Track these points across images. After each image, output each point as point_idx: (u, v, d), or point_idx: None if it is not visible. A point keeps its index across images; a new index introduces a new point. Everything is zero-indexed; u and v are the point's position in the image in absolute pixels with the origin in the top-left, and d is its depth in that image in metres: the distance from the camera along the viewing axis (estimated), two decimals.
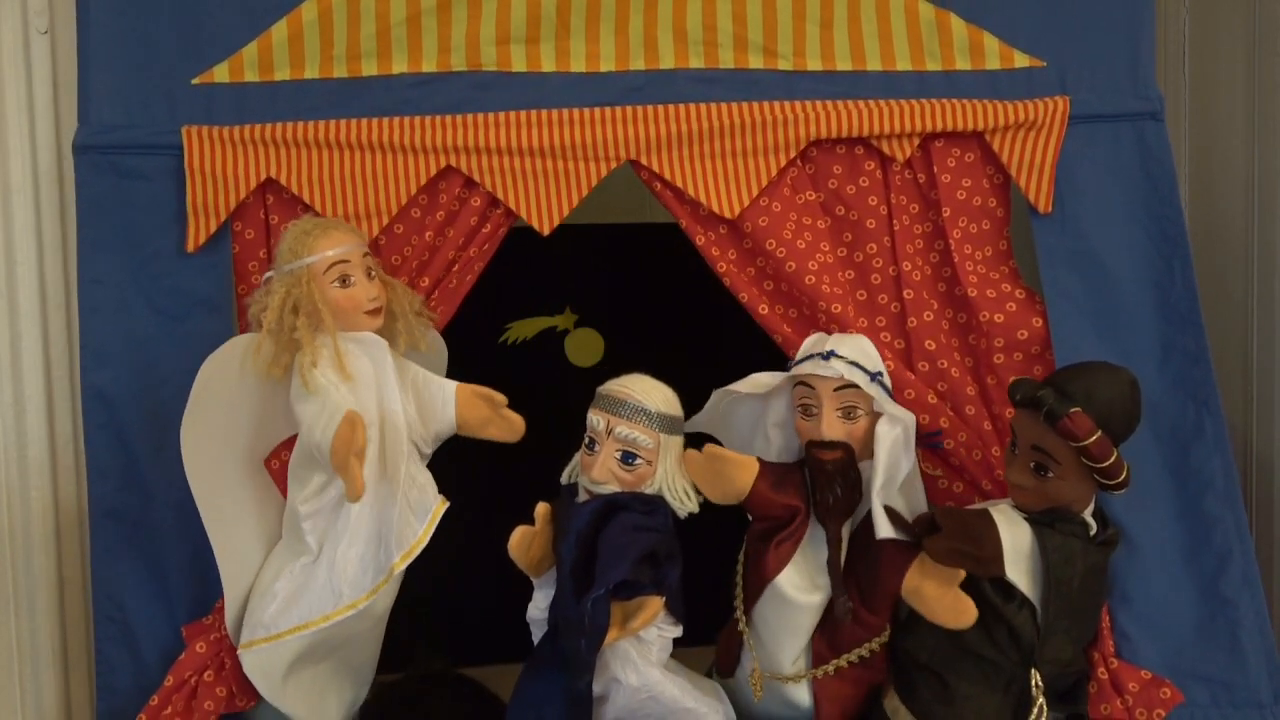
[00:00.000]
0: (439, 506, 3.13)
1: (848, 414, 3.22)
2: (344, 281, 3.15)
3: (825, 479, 3.23)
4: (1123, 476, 3.05)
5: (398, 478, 3.11)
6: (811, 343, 3.34)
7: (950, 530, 3.06)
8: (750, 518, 3.34)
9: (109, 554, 3.36)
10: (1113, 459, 3.01)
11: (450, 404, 3.28)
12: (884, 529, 3.11)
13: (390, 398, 3.16)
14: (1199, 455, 3.43)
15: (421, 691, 3.53)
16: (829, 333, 3.40)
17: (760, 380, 3.30)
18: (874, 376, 3.23)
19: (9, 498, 3.53)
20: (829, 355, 3.22)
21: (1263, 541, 3.73)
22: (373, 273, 3.20)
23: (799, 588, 3.27)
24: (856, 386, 3.19)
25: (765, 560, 3.29)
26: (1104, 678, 3.33)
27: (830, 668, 3.28)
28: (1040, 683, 3.11)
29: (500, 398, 3.27)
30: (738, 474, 3.23)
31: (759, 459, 3.29)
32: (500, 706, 3.36)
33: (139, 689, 3.33)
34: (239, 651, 3.21)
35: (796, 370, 3.27)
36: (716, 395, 3.35)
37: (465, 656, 3.89)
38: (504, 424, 3.29)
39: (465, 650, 3.93)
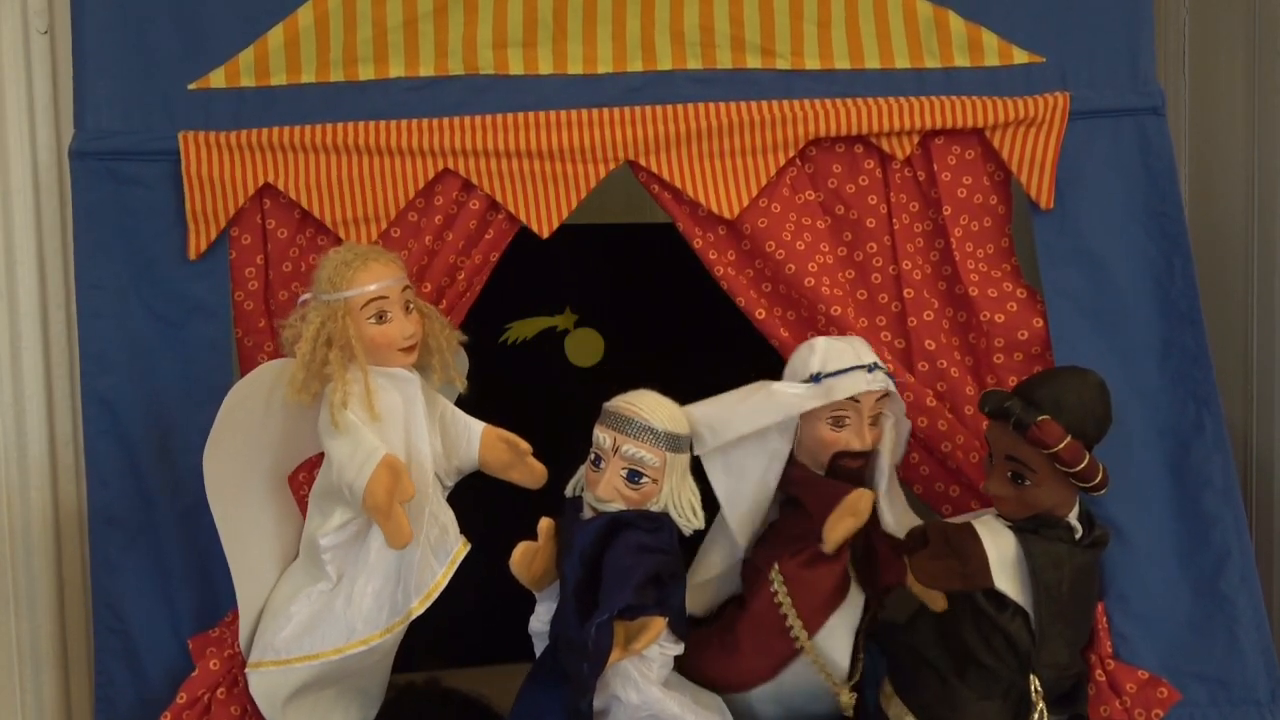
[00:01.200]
0: (460, 549, 3.11)
1: (875, 421, 3.24)
2: (380, 318, 3.10)
3: (845, 481, 3.25)
4: (1099, 479, 3.05)
5: (421, 518, 3.06)
6: (837, 353, 3.24)
7: (934, 546, 3.08)
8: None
9: (109, 563, 3.34)
10: (1086, 463, 3.01)
11: (475, 444, 3.27)
12: (888, 521, 3.23)
13: (418, 436, 3.12)
14: (1198, 453, 3.42)
15: (420, 709, 3.52)
16: (829, 335, 3.37)
17: (792, 405, 3.23)
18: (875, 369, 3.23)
19: (9, 498, 3.53)
20: (873, 368, 3.20)
21: (1262, 541, 3.72)
22: (411, 306, 3.16)
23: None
24: (889, 394, 3.22)
25: (827, 582, 3.29)
26: (1101, 679, 3.31)
27: None
28: (1040, 688, 3.11)
29: (524, 445, 3.26)
30: None
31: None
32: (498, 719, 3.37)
33: (140, 702, 3.32)
34: (246, 670, 3.19)
35: (849, 389, 3.19)
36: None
37: (465, 658, 3.89)
38: (526, 471, 3.28)
39: (464, 652, 3.93)
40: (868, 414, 3.22)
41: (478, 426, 3.29)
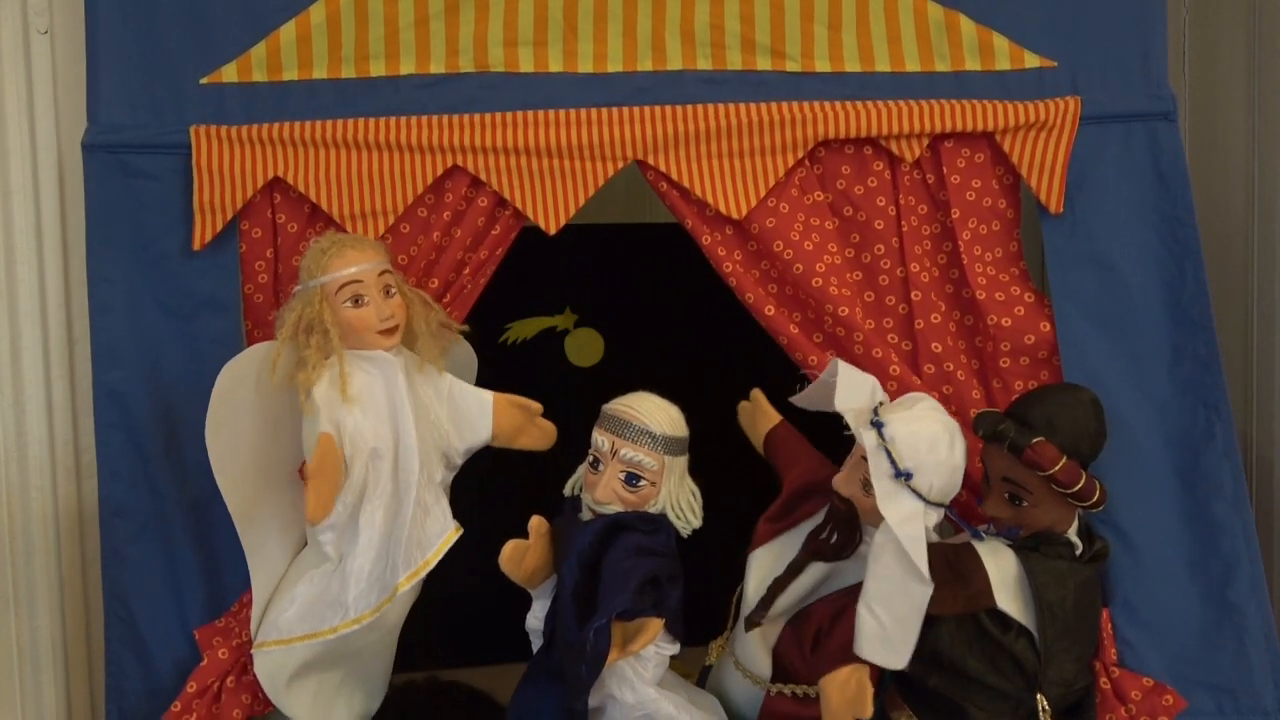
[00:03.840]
0: (452, 533, 3.13)
1: (865, 485, 3.12)
2: (356, 301, 3.13)
3: (828, 517, 3.25)
4: (1096, 497, 3.06)
5: (408, 499, 3.09)
6: (872, 388, 3.18)
7: (936, 570, 3.05)
8: None
9: (119, 555, 3.34)
10: (1083, 482, 3.03)
11: (487, 413, 3.30)
12: (864, 647, 3.04)
13: (403, 419, 3.14)
14: (1208, 460, 3.42)
15: (422, 700, 3.52)
16: (835, 335, 3.41)
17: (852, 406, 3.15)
18: (900, 474, 3.01)
19: (9, 498, 3.52)
20: (876, 424, 3.08)
21: (1263, 544, 3.70)
22: (392, 290, 3.18)
23: (756, 588, 3.31)
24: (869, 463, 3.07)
25: (756, 532, 3.39)
26: (1106, 687, 3.32)
27: (782, 689, 3.27)
28: (1047, 706, 3.12)
29: (536, 405, 3.32)
30: (759, 420, 3.51)
31: (784, 423, 3.48)
32: (501, 713, 3.36)
33: (149, 692, 3.33)
34: (252, 651, 3.22)
35: (852, 416, 3.10)
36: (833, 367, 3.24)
37: (465, 658, 3.89)
38: (537, 432, 3.34)
39: (464, 651, 3.93)
40: (856, 463, 3.16)
41: (488, 396, 3.33)
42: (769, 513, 3.39)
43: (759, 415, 3.55)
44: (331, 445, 3.06)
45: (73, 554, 3.60)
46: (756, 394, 3.56)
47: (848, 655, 3.06)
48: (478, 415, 3.30)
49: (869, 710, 3.03)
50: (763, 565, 3.33)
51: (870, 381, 3.18)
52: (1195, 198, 3.46)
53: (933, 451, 3.03)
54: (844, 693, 3.05)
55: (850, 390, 3.13)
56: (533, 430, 3.35)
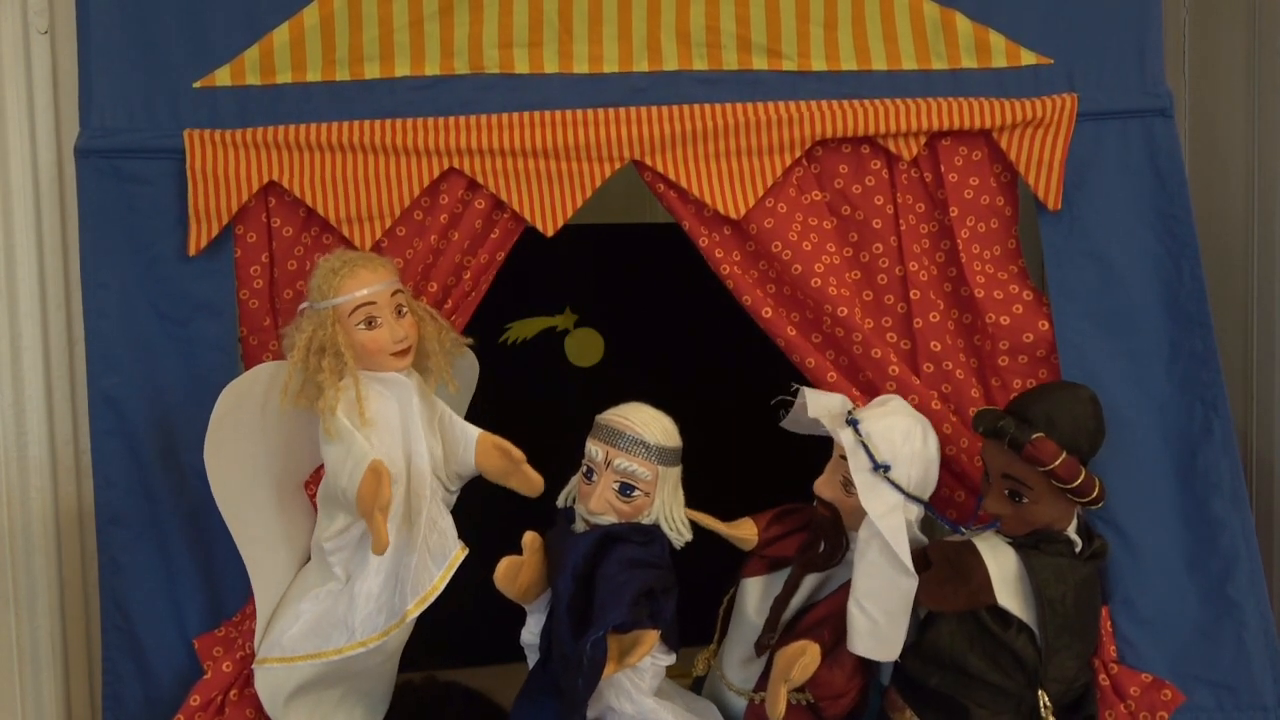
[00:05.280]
0: (458, 554, 3.10)
1: (845, 485, 3.20)
2: (370, 323, 3.11)
3: (815, 529, 3.29)
4: (1095, 493, 3.07)
5: (419, 522, 3.08)
6: (841, 400, 3.30)
7: (937, 567, 3.08)
8: None
9: (116, 563, 3.34)
10: (1082, 478, 3.04)
11: (470, 450, 3.27)
12: (857, 643, 3.10)
13: (415, 440, 3.14)
14: (1207, 458, 3.41)
15: (420, 701, 3.52)
16: (834, 335, 3.40)
17: (825, 411, 3.25)
18: (878, 467, 3.13)
19: (9, 498, 3.53)
20: (851, 422, 3.18)
21: (1263, 542, 3.70)
22: (403, 309, 3.17)
23: (756, 607, 3.32)
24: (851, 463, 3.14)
25: (750, 560, 3.37)
26: (1105, 684, 3.32)
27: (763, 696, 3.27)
28: (1049, 703, 3.12)
29: (518, 454, 3.24)
30: (740, 542, 3.36)
31: (761, 528, 3.37)
32: (498, 713, 3.37)
33: (147, 700, 3.33)
34: (254, 666, 3.21)
35: (827, 419, 3.21)
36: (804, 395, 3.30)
37: (464, 658, 3.89)
38: (522, 479, 3.26)
39: (463, 651, 3.93)
40: (836, 465, 3.23)
41: (473, 433, 3.29)
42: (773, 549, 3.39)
43: (736, 539, 3.39)
44: (386, 472, 3.00)
45: (73, 555, 3.60)
46: (707, 521, 3.32)
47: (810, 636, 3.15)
48: (462, 449, 3.28)
49: (799, 673, 3.08)
50: (758, 586, 3.35)
51: (840, 397, 3.30)
52: (1195, 197, 3.47)
53: (908, 442, 3.15)
54: (784, 655, 3.10)
55: (820, 401, 3.25)
56: (519, 476, 3.27)
